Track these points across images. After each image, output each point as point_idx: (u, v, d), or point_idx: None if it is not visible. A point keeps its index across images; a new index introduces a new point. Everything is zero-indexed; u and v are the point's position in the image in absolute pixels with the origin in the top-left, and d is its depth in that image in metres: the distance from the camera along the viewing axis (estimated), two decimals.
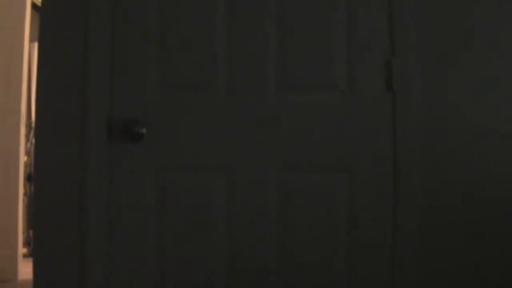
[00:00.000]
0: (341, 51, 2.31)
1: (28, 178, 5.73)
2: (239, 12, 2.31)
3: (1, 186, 4.55)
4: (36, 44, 6.12)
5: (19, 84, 4.55)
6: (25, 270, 4.89)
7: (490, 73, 2.33)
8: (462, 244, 2.29)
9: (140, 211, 2.25)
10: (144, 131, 2.22)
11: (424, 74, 2.32)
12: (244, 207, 2.26)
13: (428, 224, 2.28)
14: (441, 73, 2.32)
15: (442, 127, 2.31)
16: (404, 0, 2.31)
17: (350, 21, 2.32)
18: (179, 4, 2.30)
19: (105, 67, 2.26)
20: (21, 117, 4.53)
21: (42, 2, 2.28)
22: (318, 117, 2.29)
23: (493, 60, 2.33)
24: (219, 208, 2.26)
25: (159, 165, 2.26)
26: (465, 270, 2.28)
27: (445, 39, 2.33)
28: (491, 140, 2.31)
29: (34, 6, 5.88)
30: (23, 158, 4.58)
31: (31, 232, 5.82)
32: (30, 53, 6.07)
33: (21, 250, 4.58)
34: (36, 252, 2.24)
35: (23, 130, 4.58)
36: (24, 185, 5.65)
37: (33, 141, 5.49)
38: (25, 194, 5.69)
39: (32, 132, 5.81)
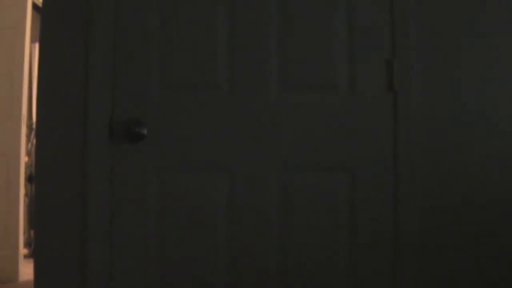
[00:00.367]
0: (341, 51, 2.31)
1: (29, 178, 5.73)
2: (240, 12, 2.31)
3: (2, 186, 4.55)
4: (37, 45, 6.13)
5: (20, 85, 4.55)
6: (26, 270, 4.89)
7: (491, 73, 2.33)
8: (462, 244, 2.29)
9: (140, 211, 2.25)
10: (145, 131, 2.23)
11: (424, 74, 2.32)
12: (245, 207, 2.27)
13: (429, 224, 2.28)
14: (442, 73, 2.32)
15: (442, 127, 2.31)
16: (405, 0, 2.31)
17: (350, 21, 2.32)
18: (180, 4, 2.30)
19: (106, 67, 2.26)
20: (22, 117, 4.53)
21: (43, 3, 2.28)
22: (318, 117, 2.29)
23: (494, 59, 2.33)
24: (220, 208, 2.27)
25: (159, 165, 2.26)
26: (465, 270, 2.28)
27: (446, 39, 2.33)
28: (492, 140, 2.31)
29: (35, 6, 5.89)
30: (24, 159, 4.58)
31: (32, 232, 5.82)
32: (31, 53, 6.07)
33: (22, 250, 4.58)
34: (37, 252, 2.24)
35: (24, 131, 4.58)
36: (25, 186, 5.65)
37: (34, 141, 5.50)
38: (26, 194, 5.69)
39: (33, 132, 5.82)
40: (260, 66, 2.30)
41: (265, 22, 2.31)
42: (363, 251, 2.27)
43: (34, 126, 5.83)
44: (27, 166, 5.72)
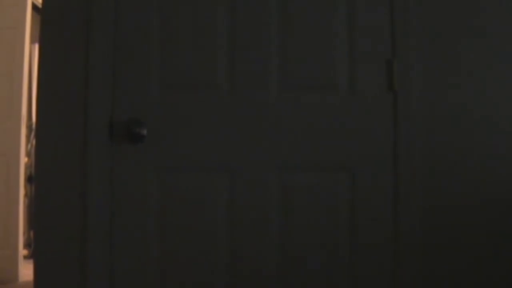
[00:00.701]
0: (341, 51, 2.31)
1: (29, 179, 5.73)
2: (240, 12, 2.31)
3: (1, 187, 4.55)
4: (36, 45, 6.13)
5: (20, 85, 4.55)
6: (26, 271, 4.89)
7: (491, 73, 2.33)
8: (462, 244, 2.29)
9: (140, 211, 2.25)
10: (145, 131, 2.22)
11: (424, 74, 2.32)
12: (245, 206, 2.27)
13: (429, 224, 2.28)
14: (442, 73, 2.32)
15: (442, 127, 2.31)
16: (405, 0, 2.31)
17: (350, 21, 2.32)
18: (180, 4, 2.30)
19: (106, 67, 2.26)
20: (22, 118, 4.53)
21: (43, 3, 2.28)
22: (318, 117, 2.29)
23: (494, 59, 2.33)
24: (220, 208, 2.26)
25: (160, 165, 2.26)
26: (465, 270, 2.28)
27: (446, 39, 2.33)
28: (492, 139, 2.31)
29: (34, 7, 5.89)
30: (23, 159, 4.58)
31: (31, 233, 5.82)
32: (30, 54, 6.07)
33: (22, 251, 4.58)
34: (36, 253, 2.24)
35: (23, 131, 4.58)
36: (25, 186, 5.65)
37: (34, 142, 5.50)
38: (25, 195, 5.69)
39: (33, 133, 5.82)
40: (260, 66, 2.30)
41: (265, 22, 2.31)
42: (363, 251, 2.27)
43: (33, 126, 5.83)
44: (27, 166, 5.72)
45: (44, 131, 2.25)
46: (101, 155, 2.23)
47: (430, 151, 2.30)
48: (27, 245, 5.82)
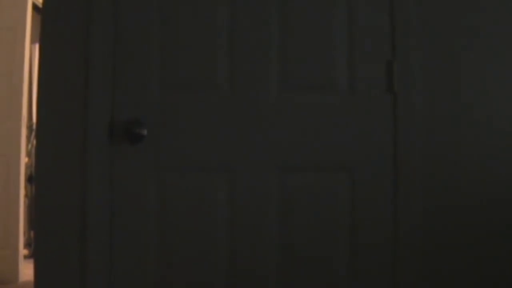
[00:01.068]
0: (341, 51, 2.32)
1: (29, 179, 5.73)
2: (240, 12, 2.31)
3: (2, 187, 4.55)
4: (36, 46, 6.13)
5: (20, 85, 4.55)
6: (26, 271, 4.89)
7: (492, 73, 2.33)
8: (462, 244, 2.29)
9: (140, 211, 2.25)
10: (145, 132, 2.23)
11: (424, 74, 2.32)
12: (245, 206, 2.27)
13: (429, 224, 2.28)
14: (442, 73, 2.32)
15: (442, 127, 2.31)
16: (405, 1, 2.31)
17: (350, 21, 2.32)
18: (180, 4, 2.30)
19: (106, 67, 2.26)
20: (22, 118, 4.53)
21: (44, 3, 2.28)
22: (319, 117, 2.29)
23: (494, 60, 2.33)
24: (220, 207, 2.26)
25: (160, 165, 2.26)
26: (465, 270, 2.28)
27: (446, 39, 2.33)
28: (492, 139, 2.31)
29: (35, 7, 5.89)
30: (24, 160, 4.58)
31: (32, 233, 5.82)
32: (31, 54, 6.07)
33: (22, 251, 4.58)
34: (37, 253, 2.24)
35: (24, 132, 4.58)
36: (25, 187, 5.65)
37: (34, 142, 5.50)
38: (26, 195, 5.69)
39: (33, 133, 5.82)
40: (260, 66, 2.30)
41: (265, 22, 2.31)
42: (363, 251, 2.27)
43: (34, 126, 5.83)
44: (27, 166, 5.72)
45: (44, 131, 2.25)
46: (101, 155, 2.23)
47: (430, 151, 2.30)
48: (27, 245, 5.82)
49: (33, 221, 5.73)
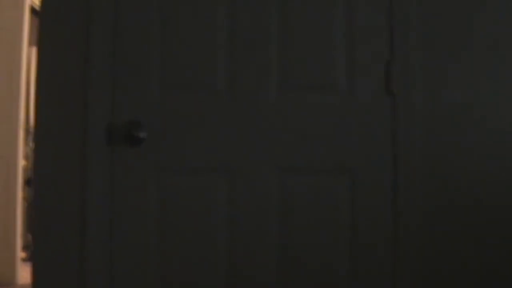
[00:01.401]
0: (341, 51, 2.31)
1: (27, 182, 5.72)
2: (240, 13, 2.31)
3: (0, 190, 4.54)
4: (34, 48, 6.12)
5: (18, 87, 4.55)
6: (24, 274, 4.88)
7: (491, 73, 2.33)
8: (462, 244, 2.28)
9: (140, 212, 2.24)
10: (144, 134, 2.22)
11: (424, 75, 2.32)
12: (245, 208, 2.26)
13: (429, 224, 2.28)
14: (442, 73, 2.32)
15: (442, 127, 2.30)
16: (405, 1, 2.31)
17: (350, 21, 2.32)
18: (180, 4, 2.30)
19: (105, 68, 2.25)
20: (20, 120, 4.53)
21: (42, 4, 2.27)
22: (318, 118, 2.29)
23: (494, 60, 2.33)
24: (220, 209, 2.26)
25: (160, 167, 2.25)
26: (465, 271, 2.28)
27: (446, 39, 2.33)
28: (492, 140, 2.31)
29: (32, 10, 5.88)
30: (21, 163, 4.57)
31: (29, 236, 5.81)
32: (28, 56, 6.06)
33: (20, 254, 4.57)
34: (35, 256, 2.23)
35: (21, 135, 4.57)
36: (23, 190, 5.64)
37: (32, 145, 5.48)
38: (23, 198, 5.68)
39: (31, 136, 5.81)
40: (260, 67, 2.30)
41: (265, 22, 2.31)
42: (363, 251, 2.27)
43: (32, 129, 5.82)
44: (25, 169, 5.71)
45: (43, 134, 2.25)
46: (101, 156, 2.23)
47: (430, 151, 2.30)
48: (25, 248, 5.81)
49: (31, 224, 5.72)
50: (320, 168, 2.28)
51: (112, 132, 2.25)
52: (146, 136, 2.26)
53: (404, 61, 2.30)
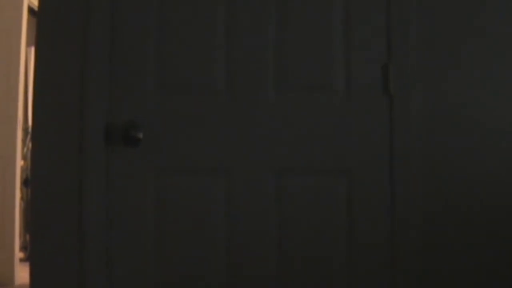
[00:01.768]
0: (339, 52, 2.31)
1: (25, 182, 5.71)
2: (239, 13, 2.30)
3: None
4: (32, 49, 6.11)
5: (16, 87, 4.55)
6: (22, 274, 4.87)
7: (491, 73, 2.32)
8: (462, 244, 2.28)
9: (139, 213, 2.24)
10: (141, 135, 2.22)
11: (423, 76, 2.31)
12: (244, 208, 2.26)
13: (428, 225, 2.28)
14: (441, 74, 2.32)
15: (442, 128, 2.30)
16: (404, 1, 2.31)
17: (348, 22, 2.32)
18: (179, 4, 2.29)
19: (103, 70, 2.25)
20: (18, 121, 4.53)
21: (40, 5, 2.27)
22: (317, 118, 2.28)
23: (494, 60, 2.33)
24: (219, 209, 2.26)
25: (158, 167, 2.25)
26: (465, 271, 2.27)
27: (446, 39, 2.32)
28: (492, 141, 2.30)
29: (30, 10, 5.88)
30: (19, 163, 4.57)
31: (27, 236, 5.80)
32: (26, 57, 6.06)
33: (18, 254, 4.56)
34: (33, 256, 2.22)
35: (19, 134, 4.57)
36: (21, 190, 5.63)
37: (30, 145, 5.48)
38: (21, 198, 5.67)
39: (29, 136, 5.80)
40: (258, 67, 2.29)
41: (263, 22, 2.30)
42: (362, 252, 2.26)
43: (29, 129, 5.82)
44: (23, 169, 5.70)
45: (41, 134, 2.24)
46: (98, 157, 2.22)
47: (429, 152, 2.29)
48: (22, 248, 5.81)
49: (28, 224, 5.72)
50: (319, 168, 2.28)
51: (111, 132, 2.25)
52: (144, 135, 2.25)
53: (404, 61, 2.30)
